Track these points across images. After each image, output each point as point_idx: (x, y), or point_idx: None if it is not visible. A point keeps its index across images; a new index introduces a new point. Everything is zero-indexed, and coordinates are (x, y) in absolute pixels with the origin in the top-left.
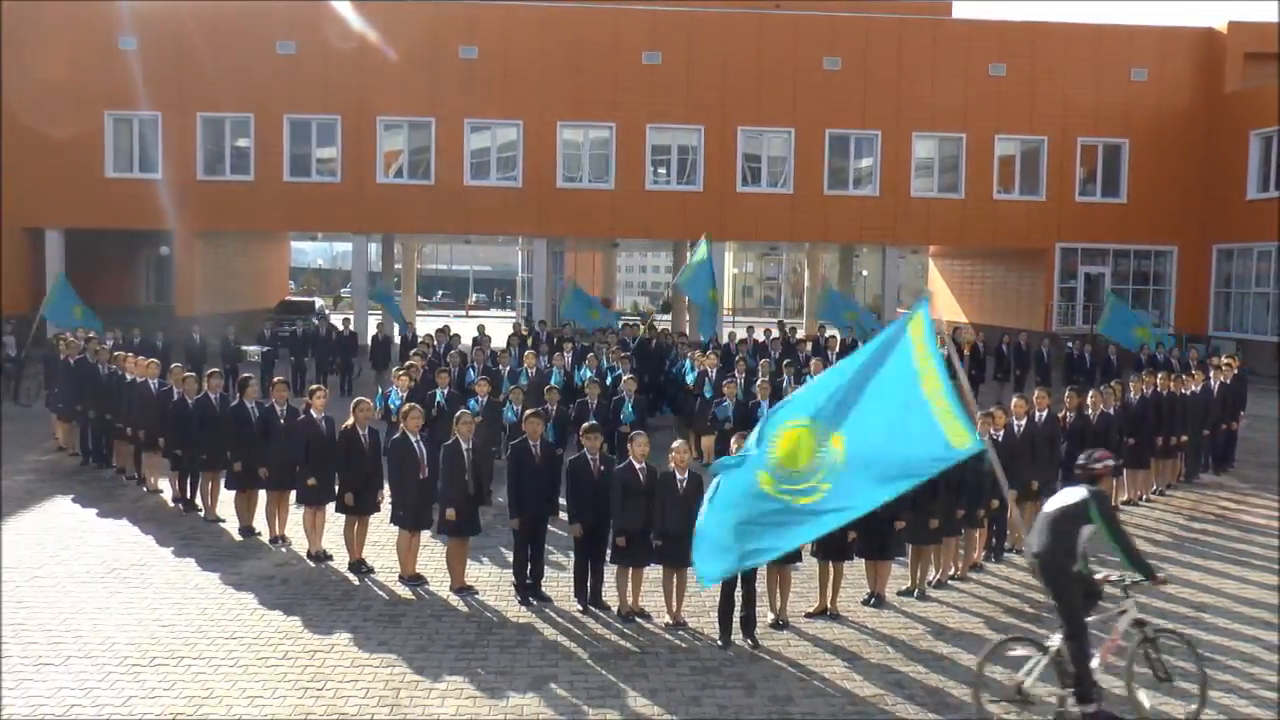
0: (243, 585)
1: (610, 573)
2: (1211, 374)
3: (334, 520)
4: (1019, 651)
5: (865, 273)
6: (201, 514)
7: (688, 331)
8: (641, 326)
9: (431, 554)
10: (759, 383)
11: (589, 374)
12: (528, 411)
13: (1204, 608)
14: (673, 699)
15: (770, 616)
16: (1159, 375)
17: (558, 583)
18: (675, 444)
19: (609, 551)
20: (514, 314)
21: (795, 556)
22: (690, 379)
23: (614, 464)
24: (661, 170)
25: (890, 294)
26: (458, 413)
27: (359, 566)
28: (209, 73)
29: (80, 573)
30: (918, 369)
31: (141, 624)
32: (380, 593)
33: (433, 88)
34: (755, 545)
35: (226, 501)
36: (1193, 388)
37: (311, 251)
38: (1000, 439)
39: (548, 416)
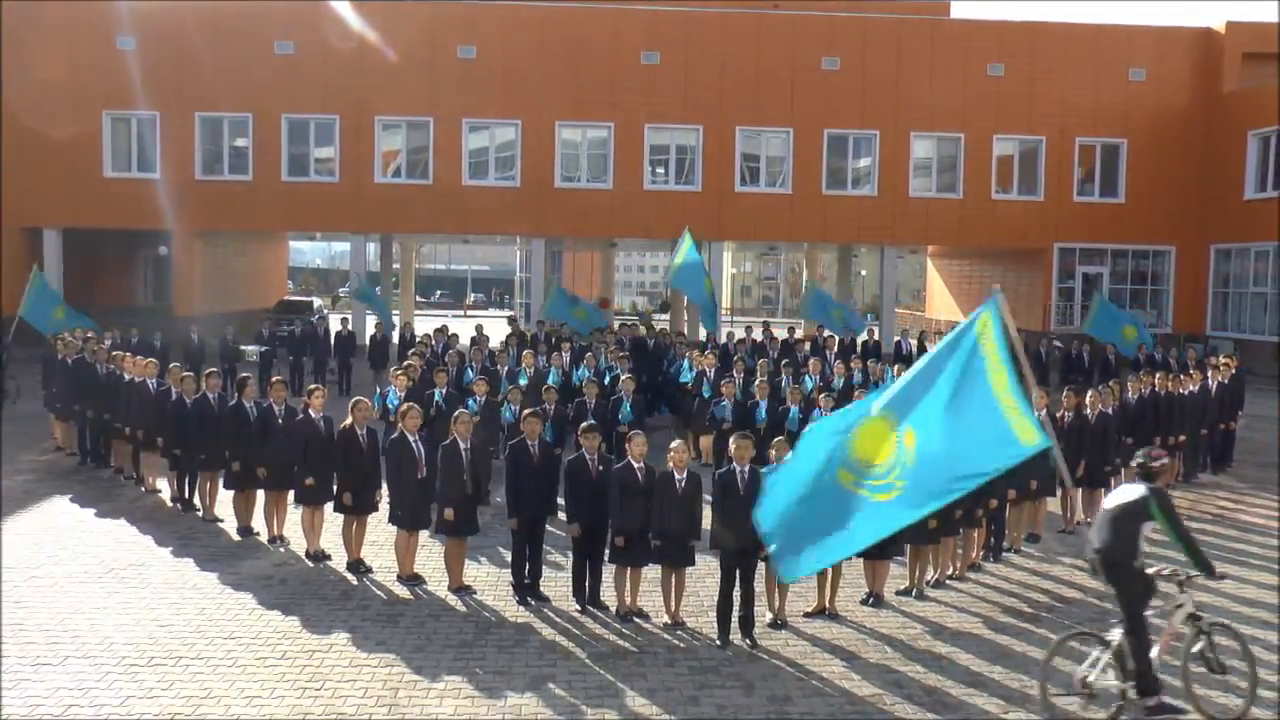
0: (241, 585)
1: (609, 572)
2: (1209, 374)
3: (332, 520)
4: (1082, 646)
5: (864, 272)
6: (200, 514)
7: (686, 331)
8: (640, 326)
9: (430, 554)
10: (757, 382)
11: (587, 374)
12: (526, 411)
13: (1203, 607)
14: (671, 699)
15: (769, 616)
16: (1157, 375)
17: (556, 582)
18: (674, 444)
19: (607, 551)
20: (512, 313)
21: None
22: (687, 378)
23: (612, 464)
24: (660, 170)
25: (889, 294)
26: (456, 412)
27: (357, 566)
28: (207, 73)
29: (78, 573)
30: (987, 366)
31: (139, 624)
32: (378, 592)
33: (431, 87)
34: (835, 542)
35: (225, 501)
36: (1191, 388)
37: (310, 251)
38: None
39: (546, 416)
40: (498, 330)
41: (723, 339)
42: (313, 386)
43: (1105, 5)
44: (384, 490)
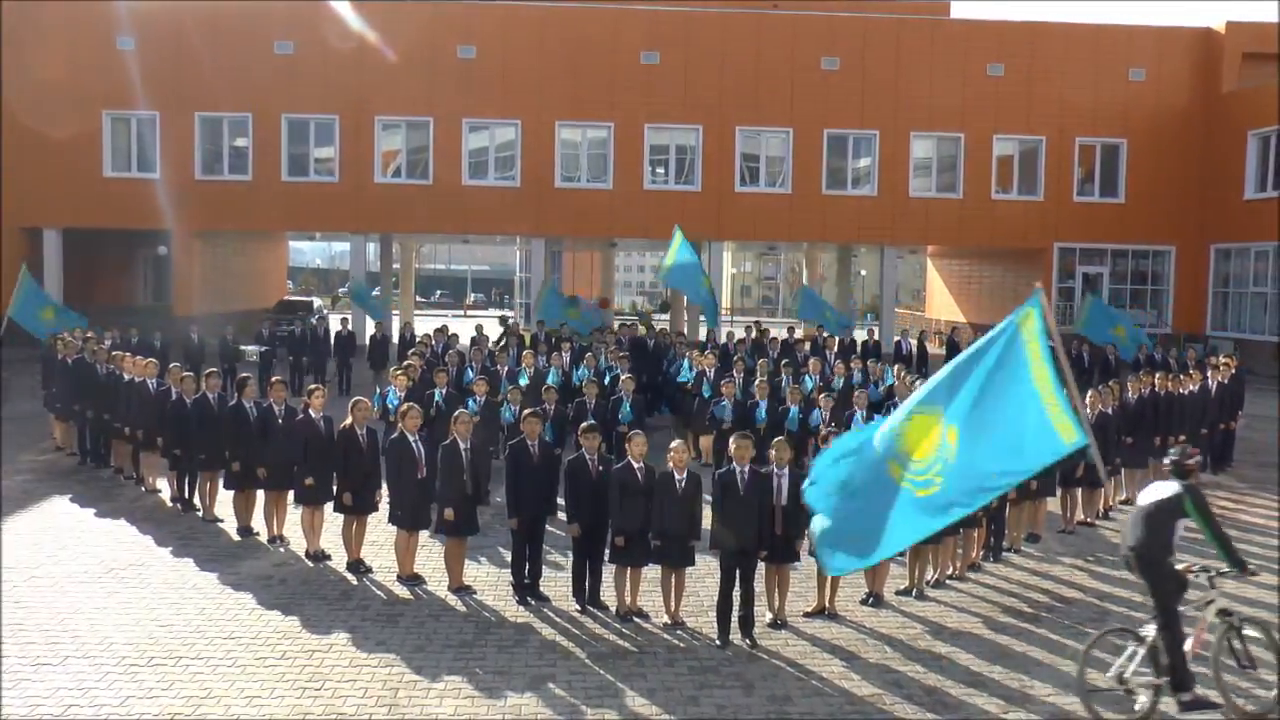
0: (241, 585)
1: (608, 573)
2: (1209, 374)
3: (332, 520)
4: (1118, 642)
5: (863, 272)
6: (200, 514)
7: (686, 331)
8: (640, 326)
9: (429, 554)
10: (757, 382)
11: (587, 374)
12: (526, 411)
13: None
14: (671, 698)
15: (768, 616)
16: (1157, 375)
17: (556, 582)
18: (674, 444)
19: (607, 551)
20: (511, 313)
21: (793, 556)
22: (687, 378)
23: (612, 464)
24: (660, 170)
25: (889, 294)
26: (456, 412)
27: (357, 566)
28: (207, 72)
29: (78, 573)
30: (1029, 363)
31: (139, 624)
32: (378, 592)
33: (431, 87)
34: (882, 538)
35: (225, 501)
36: (1190, 387)
37: (309, 251)
38: None
39: (546, 416)
40: (497, 330)
41: (723, 339)
42: (313, 386)
43: (1105, 5)
44: (384, 490)
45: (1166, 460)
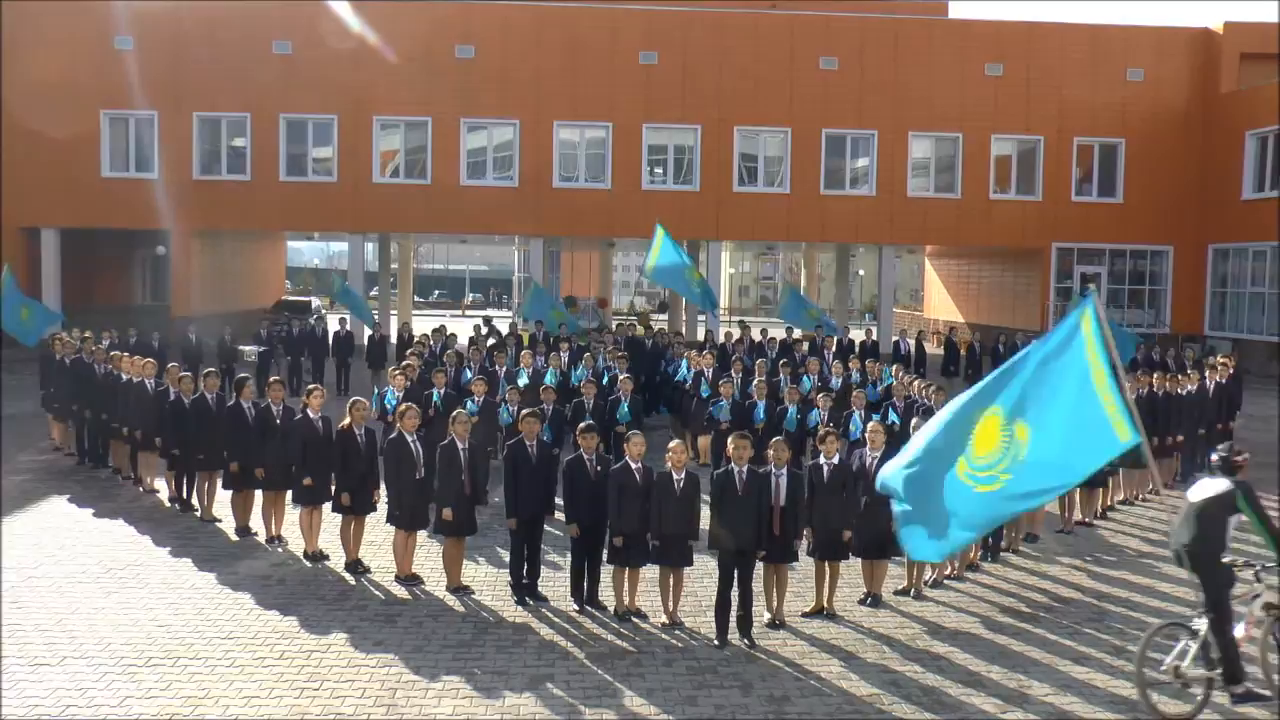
0: (239, 585)
1: (607, 573)
2: (1207, 374)
3: (330, 520)
4: (1173, 637)
5: (861, 272)
6: (198, 514)
7: (684, 331)
8: (637, 326)
9: (428, 554)
10: (755, 382)
11: (585, 374)
12: (524, 411)
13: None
14: (669, 699)
15: (767, 616)
16: (1155, 375)
17: (554, 583)
18: (672, 444)
19: (605, 551)
20: (509, 313)
21: (791, 556)
22: (682, 377)
23: (610, 464)
24: (658, 170)
25: (887, 293)
26: (454, 413)
27: (355, 566)
28: (205, 72)
29: (76, 573)
30: (1088, 362)
31: (138, 624)
32: (377, 593)
33: (429, 87)
34: (953, 531)
35: (223, 501)
36: (1189, 387)
37: (308, 251)
38: None
39: (544, 416)
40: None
41: (720, 339)
42: (311, 386)
43: (1103, 5)
44: (382, 490)
45: (1214, 457)
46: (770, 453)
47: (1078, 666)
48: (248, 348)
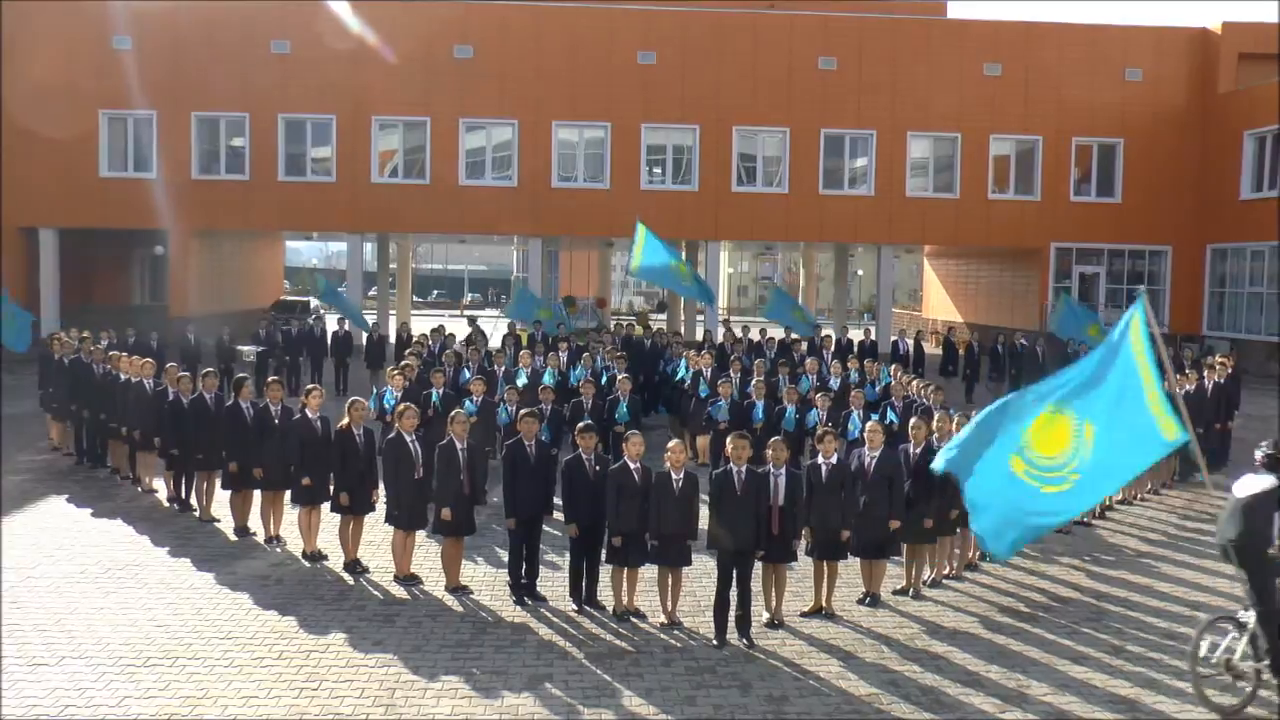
0: (238, 585)
1: (605, 573)
2: (1206, 374)
3: (329, 520)
4: (1217, 634)
5: (860, 272)
6: (196, 514)
7: (683, 331)
8: (636, 326)
9: (426, 554)
10: (754, 382)
11: (584, 374)
12: (523, 411)
13: (1199, 606)
14: (668, 698)
15: (765, 616)
16: None
17: (553, 582)
18: (670, 444)
19: (604, 551)
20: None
21: (790, 556)
22: (681, 376)
23: (609, 464)
24: (657, 170)
25: (885, 293)
26: (452, 413)
27: (354, 566)
28: (204, 72)
29: (75, 573)
30: (1137, 364)
31: (136, 624)
32: (375, 593)
33: (428, 87)
34: (1016, 526)
35: (222, 501)
36: (1187, 387)
37: (306, 251)
38: None
39: (542, 416)
40: (496, 331)
41: (719, 338)
42: (310, 386)
43: (1102, 5)
44: (381, 490)
45: (1259, 454)
46: (769, 452)
47: (1076, 666)
48: (246, 348)
